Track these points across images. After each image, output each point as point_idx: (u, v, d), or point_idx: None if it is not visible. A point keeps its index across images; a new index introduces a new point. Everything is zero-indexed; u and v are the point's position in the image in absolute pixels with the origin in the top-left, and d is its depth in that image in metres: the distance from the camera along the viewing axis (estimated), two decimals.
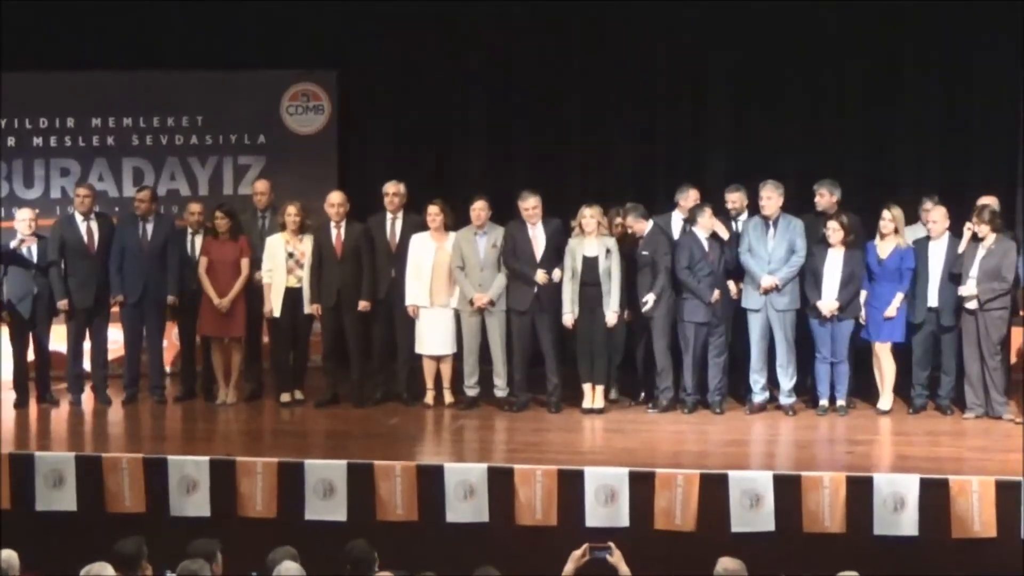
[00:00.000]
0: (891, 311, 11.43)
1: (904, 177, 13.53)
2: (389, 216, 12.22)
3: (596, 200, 11.95)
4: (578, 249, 11.58)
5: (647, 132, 14.10)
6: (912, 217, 11.95)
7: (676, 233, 11.97)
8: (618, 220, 11.99)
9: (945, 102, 13.53)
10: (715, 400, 11.71)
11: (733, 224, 11.94)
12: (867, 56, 13.58)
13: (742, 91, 13.83)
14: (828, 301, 11.46)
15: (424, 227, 12.01)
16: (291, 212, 12.00)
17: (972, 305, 11.19)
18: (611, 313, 11.56)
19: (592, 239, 11.57)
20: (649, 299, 11.59)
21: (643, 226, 11.76)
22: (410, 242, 11.97)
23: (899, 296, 11.42)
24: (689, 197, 12.08)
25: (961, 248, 11.36)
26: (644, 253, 11.70)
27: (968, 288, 11.19)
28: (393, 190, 12.17)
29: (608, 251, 11.55)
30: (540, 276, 11.65)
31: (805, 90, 13.74)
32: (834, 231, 11.44)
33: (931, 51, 13.53)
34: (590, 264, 11.55)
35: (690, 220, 11.79)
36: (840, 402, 11.62)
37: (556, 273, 11.64)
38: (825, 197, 11.84)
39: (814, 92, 13.76)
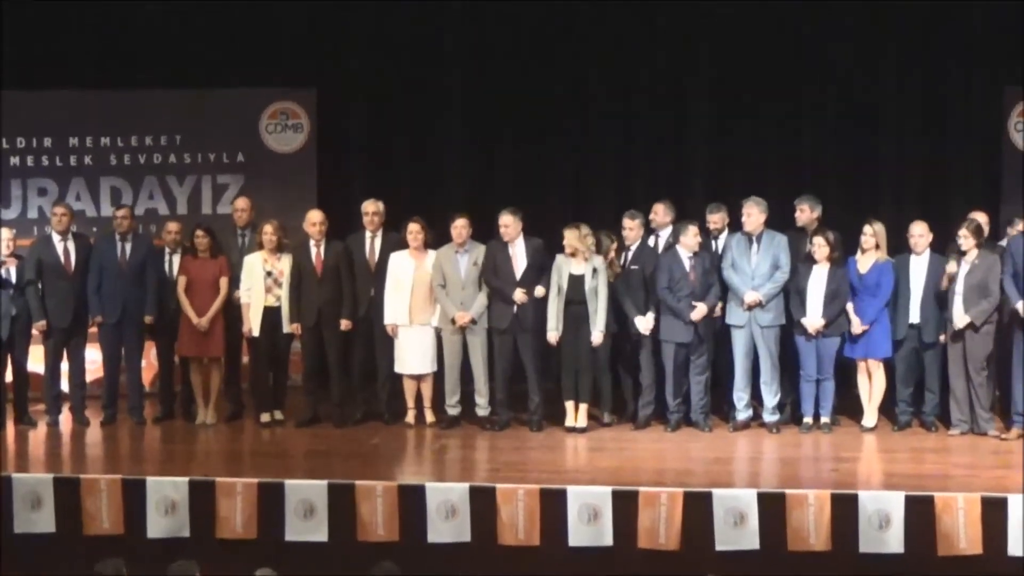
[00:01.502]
0: (856, 328, 11.44)
1: (886, 193, 13.58)
2: (368, 234, 12.17)
3: (579, 218, 11.90)
4: (564, 267, 11.54)
5: (628, 151, 14.10)
6: (893, 233, 11.91)
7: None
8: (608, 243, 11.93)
9: (928, 118, 13.56)
10: (699, 418, 11.67)
11: (713, 244, 11.95)
12: (849, 71, 13.60)
13: (722, 108, 13.82)
14: (813, 318, 11.44)
15: (403, 245, 11.96)
16: (267, 231, 11.96)
17: (961, 324, 11.20)
18: (597, 333, 11.51)
19: (580, 257, 11.54)
20: (650, 319, 11.61)
21: (638, 235, 11.78)
22: (390, 260, 11.92)
23: (850, 307, 11.42)
24: (656, 212, 12.07)
25: (952, 267, 11.36)
26: (634, 267, 11.74)
27: (959, 317, 11.18)
28: (372, 209, 12.13)
29: (595, 270, 11.50)
30: (518, 295, 11.62)
31: (786, 105, 13.75)
32: (819, 247, 11.42)
33: (913, 67, 13.56)
34: (576, 282, 11.50)
35: (673, 238, 11.77)
36: (824, 419, 11.60)
37: (539, 290, 11.60)
38: (806, 212, 11.84)
39: (794, 107, 13.78)
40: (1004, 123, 13.23)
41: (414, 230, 11.87)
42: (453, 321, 11.78)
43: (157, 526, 9.88)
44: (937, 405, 11.63)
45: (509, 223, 11.72)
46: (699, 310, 11.49)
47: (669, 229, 12.01)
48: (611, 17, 13.81)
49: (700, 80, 13.90)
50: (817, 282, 11.45)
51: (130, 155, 13.97)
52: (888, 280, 11.45)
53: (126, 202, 13.46)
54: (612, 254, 11.83)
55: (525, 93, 13.94)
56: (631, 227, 11.82)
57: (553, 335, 11.58)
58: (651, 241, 12.02)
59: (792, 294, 11.54)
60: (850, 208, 12.84)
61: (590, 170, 14.15)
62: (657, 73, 13.98)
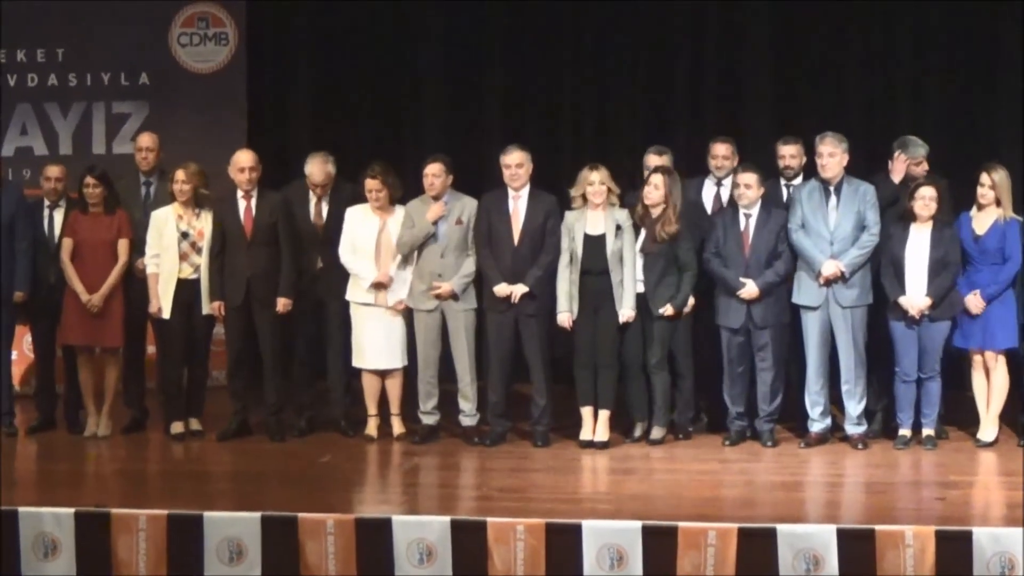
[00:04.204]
0: (974, 306, 11.43)
1: (1007, 130, 13.62)
2: None
3: (598, 160, 11.87)
4: (577, 225, 11.55)
5: (663, 76, 14.15)
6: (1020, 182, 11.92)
7: (708, 205, 12.06)
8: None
9: None
10: (764, 429, 11.71)
11: (784, 191, 11.93)
12: None
13: (788, 23, 13.86)
14: (915, 296, 11.41)
15: (361, 200, 11.95)
16: (180, 178, 11.93)
17: None
18: (627, 310, 11.50)
19: (598, 212, 11.51)
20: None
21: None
22: (346, 215, 11.93)
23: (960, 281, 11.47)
24: (716, 154, 12.14)
25: None
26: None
27: None
28: (319, 177, 12.01)
29: (619, 228, 11.49)
30: (499, 289, 11.61)
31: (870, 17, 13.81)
32: (924, 201, 11.36)
33: None
34: (594, 245, 11.50)
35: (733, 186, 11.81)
36: (927, 431, 11.62)
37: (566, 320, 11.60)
38: (922, 164, 11.82)
39: (885, 18, 13.81)
40: None
41: (373, 187, 11.81)
42: (436, 275, 11.74)
43: (34, 572, 9.83)
44: None
45: (522, 162, 11.68)
46: (748, 288, 11.52)
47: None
48: None
49: None
50: (918, 248, 11.43)
51: None
52: (1015, 245, 11.43)
53: None
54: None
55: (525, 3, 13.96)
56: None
57: (565, 317, 11.58)
58: (708, 191, 12.11)
59: (885, 264, 11.53)
60: (960, 151, 12.82)
61: (614, 99, 14.14)
62: None
